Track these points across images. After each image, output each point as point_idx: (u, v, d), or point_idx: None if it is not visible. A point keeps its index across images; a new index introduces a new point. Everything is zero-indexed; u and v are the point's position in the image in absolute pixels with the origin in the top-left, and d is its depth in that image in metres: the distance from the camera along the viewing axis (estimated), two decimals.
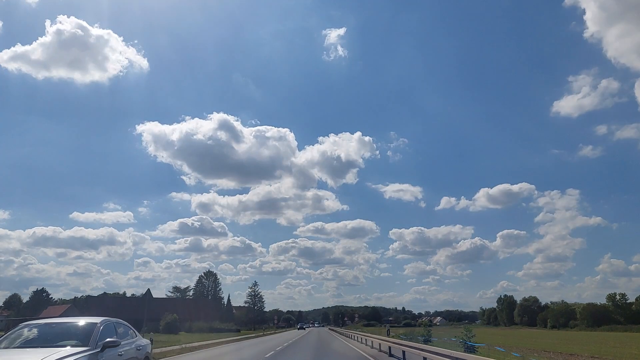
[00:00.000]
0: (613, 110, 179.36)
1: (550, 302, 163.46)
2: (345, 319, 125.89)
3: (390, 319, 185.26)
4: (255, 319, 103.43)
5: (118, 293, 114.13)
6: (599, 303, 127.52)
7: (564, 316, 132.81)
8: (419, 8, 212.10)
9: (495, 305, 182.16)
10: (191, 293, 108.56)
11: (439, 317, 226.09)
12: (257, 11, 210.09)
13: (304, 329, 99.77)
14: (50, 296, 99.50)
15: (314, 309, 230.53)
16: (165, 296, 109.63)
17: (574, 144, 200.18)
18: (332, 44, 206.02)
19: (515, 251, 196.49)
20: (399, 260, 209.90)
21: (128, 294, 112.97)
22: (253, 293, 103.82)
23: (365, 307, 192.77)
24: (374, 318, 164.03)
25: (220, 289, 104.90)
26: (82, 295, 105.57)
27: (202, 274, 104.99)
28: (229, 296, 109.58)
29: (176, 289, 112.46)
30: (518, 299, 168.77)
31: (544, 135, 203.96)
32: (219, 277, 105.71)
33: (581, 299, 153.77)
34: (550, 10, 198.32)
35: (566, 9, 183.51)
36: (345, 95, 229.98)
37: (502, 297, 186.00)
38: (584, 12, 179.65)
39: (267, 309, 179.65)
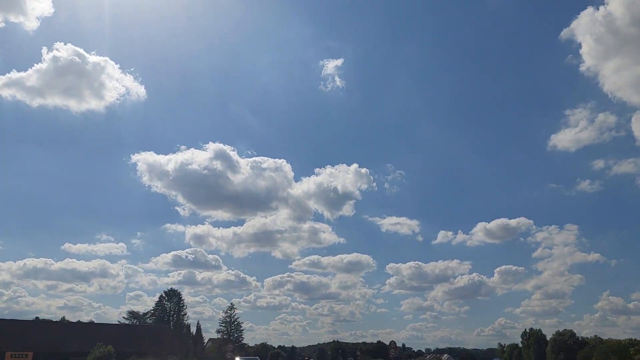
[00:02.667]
0: (610, 144, 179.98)
1: (581, 337, 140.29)
2: (358, 353, 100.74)
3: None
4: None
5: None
6: None
7: (616, 354, 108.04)
8: (416, 40, 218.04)
9: (498, 341, 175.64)
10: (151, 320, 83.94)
11: (445, 355, 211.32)
12: (255, 41, 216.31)
13: None
14: None
15: (309, 345, 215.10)
16: (118, 322, 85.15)
17: (571, 179, 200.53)
18: (330, 75, 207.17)
19: (513, 287, 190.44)
20: (396, 295, 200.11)
21: None
22: (228, 319, 79.43)
23: (363, 343, 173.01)
24: (379, 354, 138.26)
25: (185, 314, 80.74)
26: None
27: (163, 294, 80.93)
28: (198, 324, 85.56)
29: (132, 314, 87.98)
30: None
31: (541, 169, 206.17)
32: (183, 297, 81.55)
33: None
34: (547, 44, 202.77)
35: (562, 43, 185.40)
36: (342, 126, 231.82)
37: (528, 331, 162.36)
38: (579, 46, 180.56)
39: (254, 344, 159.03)
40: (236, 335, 79.98)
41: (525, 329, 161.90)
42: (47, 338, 63.94)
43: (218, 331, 79.37)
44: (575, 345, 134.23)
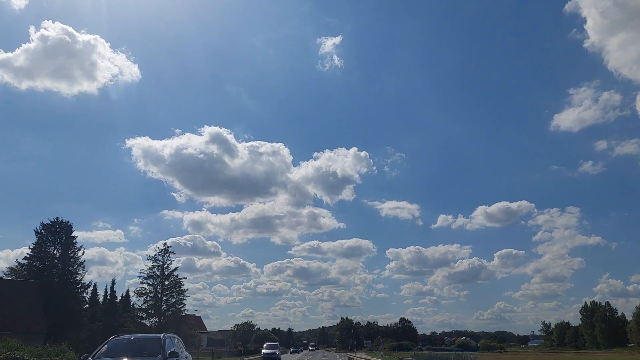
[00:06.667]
0: (614, 124, 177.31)
1: None
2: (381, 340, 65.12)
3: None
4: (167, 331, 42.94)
5: None
6: None
7: None
8: (417, 18, 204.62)
9: (497, 324, 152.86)
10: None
11: (464, 337, 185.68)
12: (250, 18, 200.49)
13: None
14: None
15: (309, 330, 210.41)
16: None
17: (574, 160, 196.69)
18: (328, 53, 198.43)
19: (513, 271, 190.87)
20: (396, 280, 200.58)
21: None
22: (158, 273, 43.32)
23: (374, 324, 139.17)
24: (406, 336, 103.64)
25: (82, 265, 44.74)
26: None
27: (41, 228, 44.32)
28: (113, 282, 50.55)
29: (13, 270, 52.01)
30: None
31: (543, 150, 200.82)
32: (74, 233, 45.23)
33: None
34: (550, 18, 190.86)
35: (566, 16, 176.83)
36: (341, 107, 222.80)
37: (588, 305, 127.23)
38: (584, 20, 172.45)
39: (235, 324, 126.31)
40: (173, 300, 44.04)
41: (586, 303, 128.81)
42: None
43: (140, 293, 43.49)
44: None
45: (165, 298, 44.01)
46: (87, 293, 45.57)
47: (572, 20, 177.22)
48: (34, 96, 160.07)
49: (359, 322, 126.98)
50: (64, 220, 45.35)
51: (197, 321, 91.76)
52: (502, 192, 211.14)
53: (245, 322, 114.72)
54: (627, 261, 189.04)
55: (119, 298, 56.75)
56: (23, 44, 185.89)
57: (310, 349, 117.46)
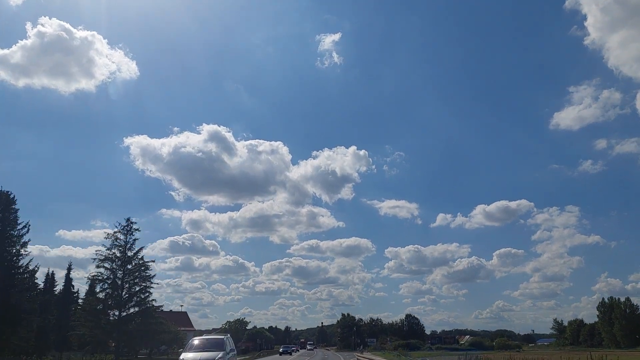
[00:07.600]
0: (614, 123, 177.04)
1: None
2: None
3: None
4: (127, 329, 34.36)
5: None
6: None
7: None
8: (417, 15, 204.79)
9: (496, 323, 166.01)
10: None
11: (467, 336, 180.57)
12: (249, 15, 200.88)
13: None
14: None
15: (308, 329, 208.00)
16: None
17: (574, 159, 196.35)
18: (327, 50, 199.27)
19: (512, 270, 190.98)
20: (395, 279, 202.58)
21: None
22: (119, 255, 34.90)
23: (367, 322, 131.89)
24: (413, 334, 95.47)
25: (24, 244, 36.06)
26: None
27: None
28: (69, 267, 42.12)
29: None
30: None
31: (543, 149, 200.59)
32: (15, 201, 36.56)
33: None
34: (550, 14, 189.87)
35: (566, 13, 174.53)
36: (340, 105, 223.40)
37: (607, 301, 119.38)
38: (585, 17, 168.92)
39: (226, 320, 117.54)
40: (136, 289, 35.67)
41: (604, 298, 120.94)
42: None
43: (95, 279, 35.17)
44: None
45: (127, 286, 35.73)
46: (35, 279, 37.14)
47: (573, 17, 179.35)
48: (31, 94, 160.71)
49: (361, 319, 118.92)
50: (3, 190, 36.94)
51: (183, 317, 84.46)
52: (501, 191, 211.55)
53: (238, 320, 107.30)
54: (626, 260, 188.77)
55: (80, 288, 48.78)
56: (20, 41, 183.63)
57: (309, 348, 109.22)
